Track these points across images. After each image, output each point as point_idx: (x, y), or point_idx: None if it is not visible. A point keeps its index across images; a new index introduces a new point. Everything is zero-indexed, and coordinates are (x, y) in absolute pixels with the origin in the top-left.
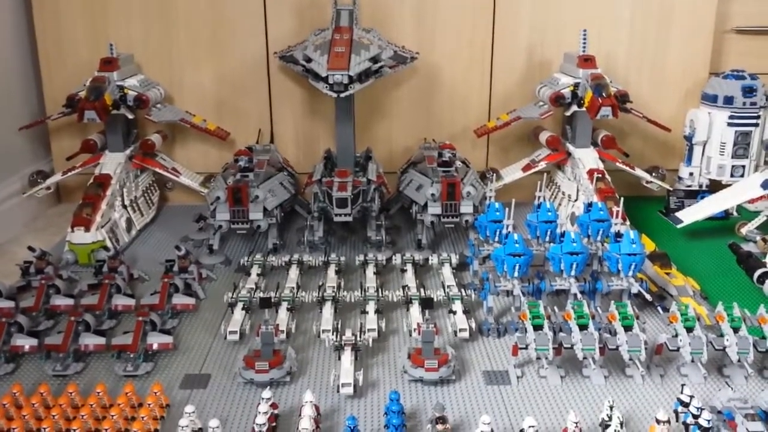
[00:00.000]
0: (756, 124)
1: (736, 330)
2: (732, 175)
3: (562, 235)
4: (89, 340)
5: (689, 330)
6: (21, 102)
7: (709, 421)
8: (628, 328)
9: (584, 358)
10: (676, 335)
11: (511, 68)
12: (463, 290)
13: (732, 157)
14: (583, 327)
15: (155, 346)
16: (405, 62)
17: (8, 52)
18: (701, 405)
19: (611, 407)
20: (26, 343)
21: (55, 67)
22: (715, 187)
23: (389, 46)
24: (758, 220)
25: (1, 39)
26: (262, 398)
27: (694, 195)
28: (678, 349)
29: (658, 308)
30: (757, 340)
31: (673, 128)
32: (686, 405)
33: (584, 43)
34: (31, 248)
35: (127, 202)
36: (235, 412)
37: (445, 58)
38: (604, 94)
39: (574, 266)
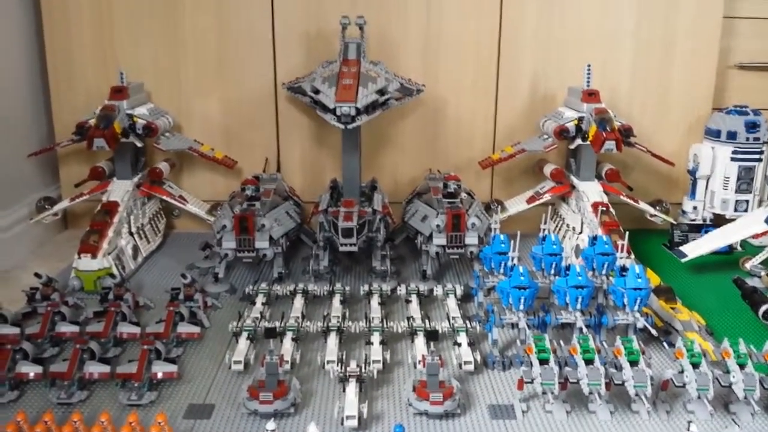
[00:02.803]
0: (759, 159)
1: (742, 366)
2: (736, 210)
3: (568, 268)
4: (94, 368)
5: (695, 366)
6: (30, 129)
7: None
8: (633, 363)
9: (590, 393)
10: (682, 371)
11: (515, 101)
12: (468, 322)
13: (735, 192)
14: (588, 361)
15: (160, 375)
16: (411, 94)
17: (19, 80)
18: None
19: None
20: (31, 370)
21: (65, 94)
22: (718, 221)
23: (396, 78)
24: (762, 255)
25: (13, 66)
26: (266, 430)
27: (698, 229)
28: (684, 385)
29: (664, 343)
30: (764, 377)
31: (676, 162)
32: None
33: (588, 77)
34: (37, 275)
35: (134, 230)
36: None
37: (450, 90)
38: (608, 128)
39: (580, 300)
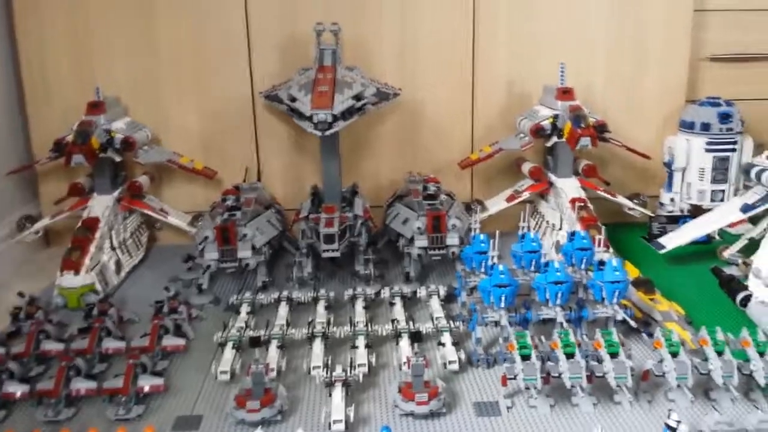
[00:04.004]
0: (733, 149)
1: (720, 354)
2: (712, 200)
3: (547, 264)
4: (80, 385)
5: (674, 355)
6: (8, 147)
7: None
8: (614, 355)
9: (572, 386)
10: (662, 361)
11: (491, 101)
12: (451, 322)
13: (711, 182)
14: (570, 355)
15: (146, 389)
16: (388, 98)
17: None
18: (689, 429)
19: None
20: (18, 389)
21: (42, 111)
22: (696, 212)
23: (372, 83)
24: (739, 244)
25: None
26: None
27: (676, 220)
28: (664, 375)
29: (643, 334)
30: (741, 363)
31: (652, 155)
32: (674, 429)
33: (562, 75)
34: (20, 294)
35: (116, 244)
36: None
37: (427, 93)
38: (582, 125)
39: (559, 295)
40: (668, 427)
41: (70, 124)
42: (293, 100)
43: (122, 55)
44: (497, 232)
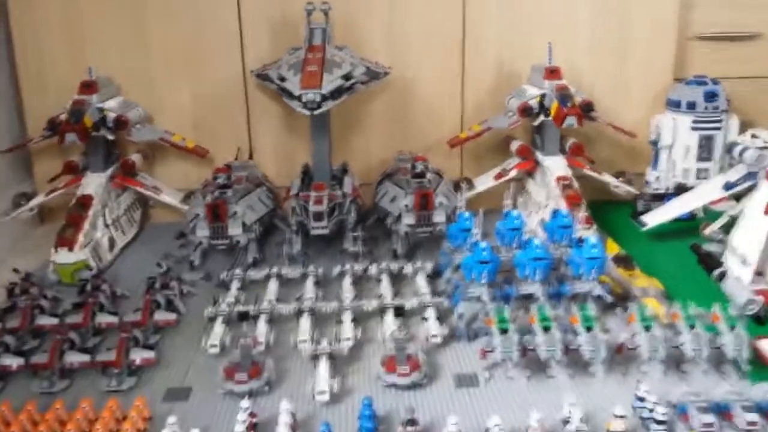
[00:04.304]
0: (718, 128)
1: (692, 328)
2: (698, 178)
3: (528, 241)
4: (74, 358)
5: (647, 329)
6: (2, 126)
7: (664, 414)
8: (589, 329)
9: (548, 359)
10: (635, 334)
11: (481, 80)
12: (435, 297)
13: (697, 161)
14: (546, 329)
15: (138, 362)
16: (378, 78)
17: None
18: (657, 400)
19: (572, 404)
20: (14, 362)
21: (36, 90)
22: (681, 190)
23: (361, 62)
24: (721, 221)
25: None
26: (241, 408)
27: (661, 198)
28: (636, 348)
29: (620, 309)
30: (711, 337)
31: (639, 133)
32: (642, 399)
33: (550, 55)
34: (15, 270)
35: (109, 222)
36: (215, 422)
37: (417, 71)
38: (569, 104)
39: (539, 271)
40: (638, 397)
41: (63, 104)
42: (283, 79)
43: (115, 36)
44: (481, 210)
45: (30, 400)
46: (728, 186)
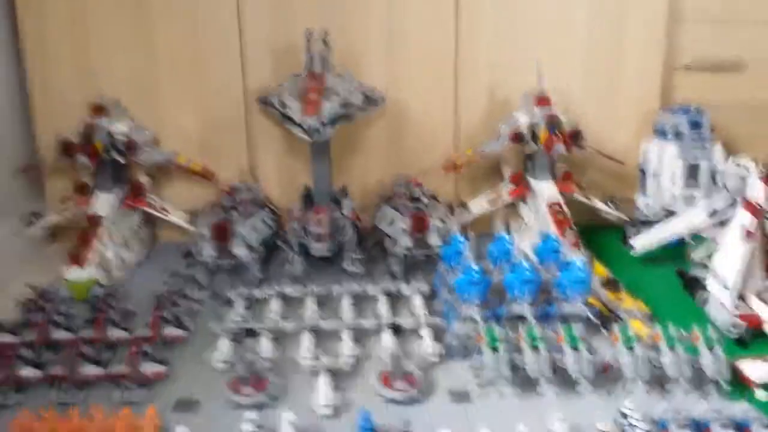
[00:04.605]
0: (704, 156)
1: (672, 348)
2: (685, 204)
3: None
4: (89, 370)
5: (630, 349)
6: (15, 146)
7: (646, 430)
8: (575, 349)
9: (536, 377)
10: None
11: (474, 105)
12: (431, 317)
13: (683, 187)
14: (534, 348)
15: (149, 374)
16: (375, 104)
17: (1, 100)
18: (640, 416)
19: (559, 420)
20: (31, 374)
21: (48, 112)
22: (670, 215)
23: (360, 89)
24: (707, 246)
25: None
26: (247, 419)
27: (650, 223)
28: (620, 367)
29: (603, 330)
30: (692, 357)
31: (629, 160)
32: (626, 416)
33: (541, 84)
34: (30, 286)
35: (119, 240)
36: None
37: (413, 97)
38: (557, 132)
39: (528, 292)
40: (621, 413)
41: (74, 125)
42: (285, 106)
43: (122, 60)
44: (473, 233)
45: (48, 409)
46: (713, 213)
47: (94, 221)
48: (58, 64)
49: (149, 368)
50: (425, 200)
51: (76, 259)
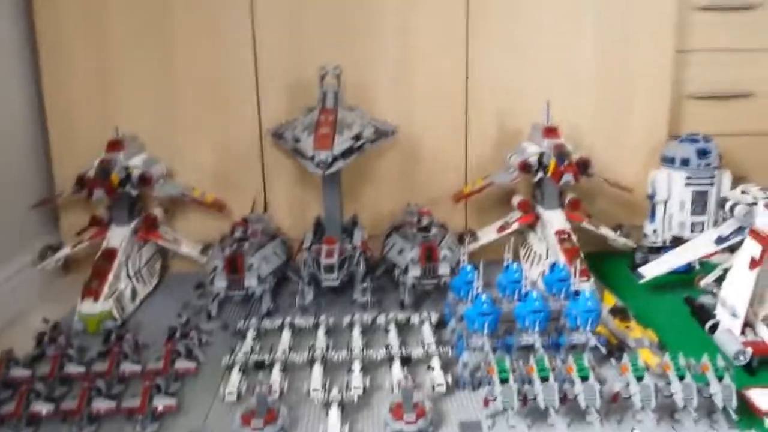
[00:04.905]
0: (711, 184)
1: (682, 378)
2: (692, 231)
3: (527, 294)
4: (101, 404)
5: (640, 379)
6: (32, 181)
7: None
8: (584, 379)
9: (546, 407)
10: (629, 384)
11: (484, 135)
12: (441, 347)
13: (691, 215)
14: (544, 379)
15: (161, 408)
16: (386, 136)
17: (21, 134)
18: None
19: None
20: (44, 408)
21: (65, 146)
22: (678, 242)
23: (371, 122)
24: (715, 273)
25: (16, 121)
26: None
27: (658, 251)
28: (630, 397)
29: (612, 360)
30: (701, 387)
31: (637, 188)
32: None
33: (548, 114)
34: (45, 320)
35: (132, 273)
36: None
37: (422, 128)
38: (566, 162)
39: (538, 323)
40: None
41: (89, 157)
42: (297, 140)
43: (139, 95)
44: (481, 262)
45: None
46: (720, 240)
47: (109, 255)
48: (76, 99)
49: (161, 401)
50: (435, 229)
51: (91, 293)
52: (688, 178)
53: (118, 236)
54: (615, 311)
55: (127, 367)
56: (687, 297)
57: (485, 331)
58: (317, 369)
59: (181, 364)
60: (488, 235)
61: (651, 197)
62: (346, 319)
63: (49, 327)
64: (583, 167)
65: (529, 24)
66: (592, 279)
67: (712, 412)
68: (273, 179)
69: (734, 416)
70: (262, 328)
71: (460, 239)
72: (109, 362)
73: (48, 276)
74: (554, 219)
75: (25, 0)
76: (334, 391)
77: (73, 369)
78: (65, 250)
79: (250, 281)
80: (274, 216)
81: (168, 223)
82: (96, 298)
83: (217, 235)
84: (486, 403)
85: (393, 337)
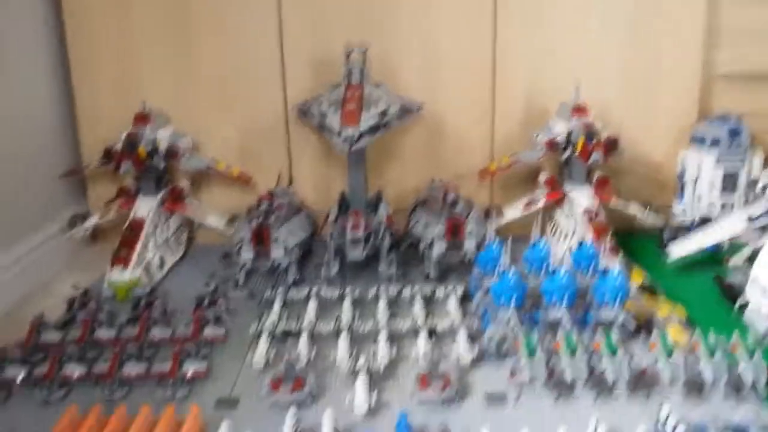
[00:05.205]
0: (741, 164)
1: (711, 355)
2: (722, 211)
3: (555, 270)
4: (132, 369)
5: (669, 355)
6: (60, 153)
7: None
8: (612, 354)
9: (573, 381)
10: (657, 360)
11: (511, 113)
12: (466, 319)
13: (721, 195)
14: (572, 353)
15: (190, 374)
16: (412, 113)
17: (49, 108)
18: (677, 421)
19: (597, 423)
20: (76, 371)
21: (91, 120)
22: (706, 222)
23: (397, 99)
24: (745, 252)
25: (45, 96)
26: (287, 418)
27: (687, 230)
28: (658, 373)
29: (644, 335)
30: (730, 364)
31: (667, 168)
32: (664, 421)
33: (577, 93)
34: (75, 285)
35: (159, 242)
36: (262, 430)
37: (449, 105)
38: (594, 141)
39: (565, 299)
40: (659, 418)
41: (116, 131)
42: (324, 116)
43: (166, 70)
44: (509, 238)
45: (95, 405)
46: (751, 219)
47: (137, 224)
48: (103, 75)
49: (191, 367)
50: (460, 205)
51: (120, 261)
52: (718, 158)
53: (145, 207)
54: (643, 288)
55: (157, 333)
56: (716, 276)
57: (512, 306)
58: (344, 338)
59: (210, 331)
60: (514, 211)
61: (680, 177)
62: (372, 291)
63: (80, 293)
64: (611, 146)
65: (558, 1)
66: (620, 256)
67: (740, 389)
68: (298, 155)
69: (763, 393)
70: (289, 298)
71: (486, 215)
72: (139, 328)
73: (76, 245)
74: (582, 197)
75: None
76: (361, 360)
77: (104, 333)
78: (93, 219)
79: (277, 253)
80: (299, 192)
81: (194, 195)
82: (125, 266)
83: (241, 208)
84: (512, 375)
85: (418, 309)
